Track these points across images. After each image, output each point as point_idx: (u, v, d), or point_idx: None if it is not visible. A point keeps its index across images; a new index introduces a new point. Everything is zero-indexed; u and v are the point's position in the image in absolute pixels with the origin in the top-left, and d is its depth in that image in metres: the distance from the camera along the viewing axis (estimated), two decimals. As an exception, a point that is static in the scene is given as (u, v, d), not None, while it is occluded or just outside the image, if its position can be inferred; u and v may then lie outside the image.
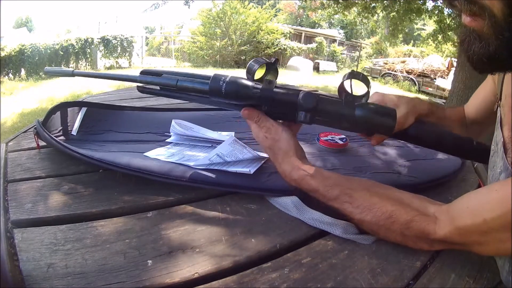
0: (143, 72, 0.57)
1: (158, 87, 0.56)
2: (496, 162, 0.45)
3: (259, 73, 0.51)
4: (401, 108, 0.53)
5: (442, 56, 9.69)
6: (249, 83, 0.50)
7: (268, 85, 0.50)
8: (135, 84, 0.58)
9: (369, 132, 0.52)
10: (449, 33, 4.90)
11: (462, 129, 0.66)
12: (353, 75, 0.48)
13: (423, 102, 0.59)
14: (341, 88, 0.49)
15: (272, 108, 0.50)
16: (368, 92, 0.49)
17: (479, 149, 0.53)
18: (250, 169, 0.54)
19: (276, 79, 0.53)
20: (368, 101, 0.50)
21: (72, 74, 0.61)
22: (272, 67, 0.52)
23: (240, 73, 0.52)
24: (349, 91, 0.49)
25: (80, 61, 8.72)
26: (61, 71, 0.64)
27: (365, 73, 0.59)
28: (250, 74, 0.50)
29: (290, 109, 0.49)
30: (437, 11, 4.75)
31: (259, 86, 0.50)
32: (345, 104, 0.48)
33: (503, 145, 0.43)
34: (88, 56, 8.77)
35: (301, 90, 0.50)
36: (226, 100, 0.51)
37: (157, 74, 0.56)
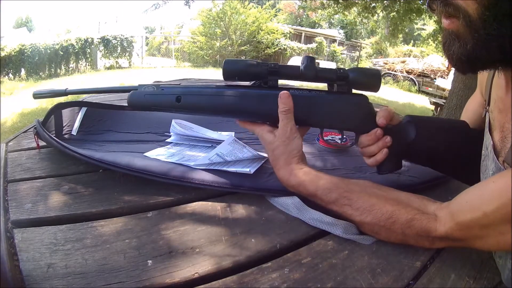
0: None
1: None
2: (487, 166, 0.45)
3: None
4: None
5: (442, 56, 9.69)
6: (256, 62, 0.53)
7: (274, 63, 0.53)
8: (134, 85, 0.56)
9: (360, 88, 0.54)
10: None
11: None
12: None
13: None
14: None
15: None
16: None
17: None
18: (250, 169, 0.54)
19: None
20: (377, 116, 0.53)
21: (65, 93, 0.56)
22: None
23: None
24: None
25: (80, 61, 8.73)
26: (53, 92, 0.58)
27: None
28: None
29: (293, 77, 0.53)
30: (437, 11, 4.75)
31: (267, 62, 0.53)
32: (338, 71, 0.54)
33: (493, 148, 0.43)
34: (88, 56, 8.78)
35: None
36: (238, 78, 0.52)
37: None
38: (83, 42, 8.56)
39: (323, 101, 0.53)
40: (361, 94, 0.55)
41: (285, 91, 0.51)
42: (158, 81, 1.39)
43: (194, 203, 0.49)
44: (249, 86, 0.54)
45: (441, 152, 0.55)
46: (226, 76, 0.52)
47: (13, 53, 7.58)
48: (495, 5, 0.34)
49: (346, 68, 0.54)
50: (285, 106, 0.51)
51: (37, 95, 0.58)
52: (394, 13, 4.99)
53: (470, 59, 0.38)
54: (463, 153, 0.54)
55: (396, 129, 0.54)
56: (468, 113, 0.65)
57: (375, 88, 0.53)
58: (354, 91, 0.54)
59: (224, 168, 0.55)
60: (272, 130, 0.52)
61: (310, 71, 0.52)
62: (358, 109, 0.53)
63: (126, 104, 0.55)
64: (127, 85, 0.56)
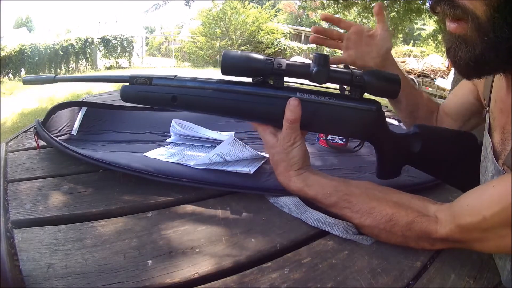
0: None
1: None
2: (487, 167, 0.45)
3: None
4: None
5: (442, 56, 9.69)
6: (262, 57, 0.48)
7: (279, 59, 0.49)
8: (125, 74, 0.52)
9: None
10: (449, 33, 4.91)
11: (432, 120, 0.70)
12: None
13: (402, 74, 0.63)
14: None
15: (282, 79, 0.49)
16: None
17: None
18: (250, 169, 0.54)
19: None
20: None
21: (54, 80, 0.54)
22: None
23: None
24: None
25: (80, 61, 8.74)
26: (41, 78, 0.55)
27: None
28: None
29: (302, 76, 0.48)
30: (437, 11, 4.76)
31: (272, 59, 0.48)
32: (353, 75, 0.48)
33: (492, 150, 0.43)
34: (88, 56, 8.78)
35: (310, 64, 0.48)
36: (237, 74, 0.48)
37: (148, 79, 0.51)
38: (83, 42, 8.57)
39: (331, 108, 0.49)
40: (373, 101, 0.51)
41: (295, 99, 0.47)
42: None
43: (194, 203, 0.49)
44: (252, 84, 0.50)
45: (445, 164, 0.55)
46: (225, 71, 0.48)
47: (13, 53, 7.59)
48: (505, 6, 0.33)
49: (361, 72, 0.49)
50: (293, 116, 0.47)
51: (27, 82, 0.56)
52: (394, 13, 4.99)
53: (479, 63, 0.37)
54: (467, 165, 0.52)
55: (402, 138, 0.53)
56: (456, 97, 0.65)
57: (393, 94, 0.49)
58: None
59: (224, 168, 0.55)
60: (274, 132, 0.50)
61: (322, 78, 0.47)
62: (367, 118, 0.50)
63: (126, 104, 0.54)
64: (118, 74, 0.53)
